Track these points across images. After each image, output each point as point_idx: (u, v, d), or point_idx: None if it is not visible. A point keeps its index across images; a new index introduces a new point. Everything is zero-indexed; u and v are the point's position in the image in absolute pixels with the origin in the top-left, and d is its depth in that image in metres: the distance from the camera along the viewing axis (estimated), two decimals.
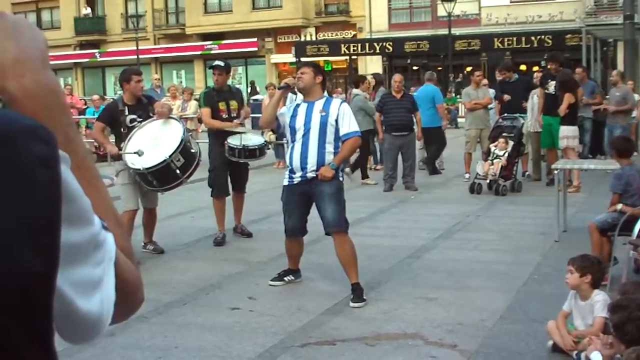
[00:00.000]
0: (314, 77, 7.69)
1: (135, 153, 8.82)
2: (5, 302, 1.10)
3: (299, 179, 7.63)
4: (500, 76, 15.50)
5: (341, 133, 7.55)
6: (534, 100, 14.63)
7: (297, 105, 7.83)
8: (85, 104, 25.75)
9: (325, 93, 8.19)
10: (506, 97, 15.01)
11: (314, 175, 7.53)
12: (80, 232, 1.21)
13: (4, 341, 1.11)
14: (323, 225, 7.63)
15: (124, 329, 6.49)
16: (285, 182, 7.81)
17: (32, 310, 1.13)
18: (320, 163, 7.51)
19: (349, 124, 7.55)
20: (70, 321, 1.23)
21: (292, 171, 7.71)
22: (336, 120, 7.53)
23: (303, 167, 7.57)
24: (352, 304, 7.22)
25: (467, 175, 15.18)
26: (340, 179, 7.70)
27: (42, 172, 1.13)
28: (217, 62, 10.29)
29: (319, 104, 7.63)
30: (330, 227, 7.54)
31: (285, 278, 8.11)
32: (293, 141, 7.71)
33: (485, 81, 16.93)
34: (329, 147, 7.55)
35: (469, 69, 38.35)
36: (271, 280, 8.08)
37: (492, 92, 17.10)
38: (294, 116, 7.70)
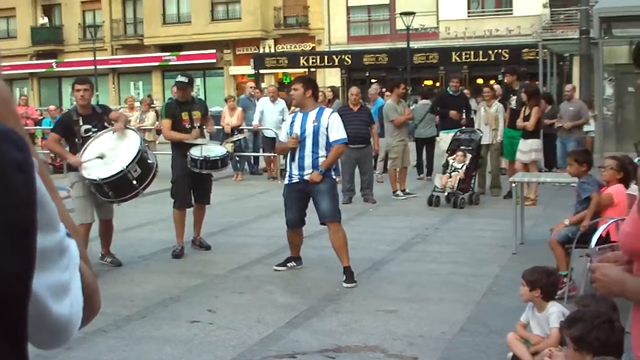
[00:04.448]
0: (304, 92, 8.71)
1: (97, 157, 8.76)
2: None
3: (297, 179, 8.72)
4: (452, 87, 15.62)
5: (330, 140, 8.64)
6: (482, 112, 14.74)
7: (295, 115, 8.95)
8: (41, 114, 25.49)
9: (319, 103, 9.44)
10: (453, 113, 15.12)
11: (309, 176, 8.60)
12: (49, 237, 1.22)
13: None
14: (319, 216, 8.70)
15: (81, 343, 6.42)
16: (286, 182, 8.96)
17: (10, 313, 1.14)
18: (314, 166, 8.61)
19: (337, 132, 8.66)
20: (43, 325, 1.24)
21: (291, 172, 8.80)
22: (327, 128, 8.61)
23: (300, 169, 8.67)
24: (344, 285, 8.29)
25: (400, 193, 14.93)
26: (333, 177, 8.87)
27: (18, 176, 1.15)
28: (180, 79, 10.18)
29: (312, 114, 8.70)
30: (325, 217, 8.62)
31: (288, 264, 9.14)
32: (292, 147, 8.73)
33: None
34: (321, 152, 8.64)
35: (427, 82, 38.65)
36: (276, 266, 9.12)
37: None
38: (291, 125, 8.80)
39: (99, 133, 9.10)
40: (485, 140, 14.50)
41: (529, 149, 13.69)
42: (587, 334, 3.66)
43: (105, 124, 9.25)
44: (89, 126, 9.13)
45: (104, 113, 9.39)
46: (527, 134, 13.70)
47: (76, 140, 9.07)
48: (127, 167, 8.77)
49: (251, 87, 20.43)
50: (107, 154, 8.92)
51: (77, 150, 9.00)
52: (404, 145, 15.19)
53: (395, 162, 15.15)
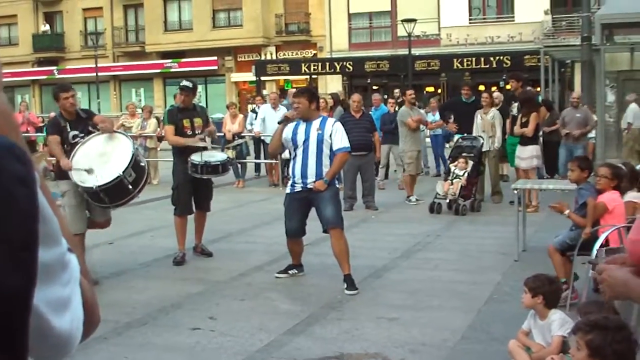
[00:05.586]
0: (309, 105, 8.74)
1: (85, 171, 8.66)
2: None
3: (300, 187, 8.71)
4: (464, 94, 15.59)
5: (334, 148, 8.67)
6: (479, 120, 14.71)
7: (298, 124, 8.81)
8: (43, 121, 25.53)
9: (324, 112, 9.74)
10: (452, 126, 15.18)
11: (313, 185, 8.60)
12: (50, 252, 1.21)
13: None
14: (322, 223, 8.64)
15: (82, 350, 6.39)
16: (288, 190, 8.95)
17: (10, 328, 1.13)
18: (319, 174, 8.61)
19: (341, 140, 8.70)
20: (44, 340, 1.23)
21: (294, 181, 8.79)
22: (330, 136, 8.66)
23: (303, 178, 8.64)
24: (346, 292, 8.28)
25: (413, 199, 15.05)
26: (336, 185, 9.00)
27: (20, 189, 1.13)
28: (184, 83, 10.19)
29: (316, 123, 8.73)
30: (329, 223, 8.56)
31: (289, 272, 9.12)
32: (295, 155, 8.79)
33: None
34: (325, 160, 8.67)
35: (429, 89, 38.68)
36: (277, 273, 9.10)
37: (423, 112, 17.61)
38: (295, 133, 8.75)
39: (86, 138, 8.94)
40: (483, 147, 14.51)
41: (528, 155, 13.69)
42: (607, 345, 3.63)
43: (90, 129, 9.06)
44: (76, 132, 8.96)
45: (89, 118, 9.17)
46: (525, 141, 13.70)
47: (65, 146, 8.90)
48: (123, 172, 8.67)
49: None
50: (98, 160, 8.78)
51: (66, 157, 8.82)
52: (417, 151, 15.37)
53: (410, 167, 15.29)
